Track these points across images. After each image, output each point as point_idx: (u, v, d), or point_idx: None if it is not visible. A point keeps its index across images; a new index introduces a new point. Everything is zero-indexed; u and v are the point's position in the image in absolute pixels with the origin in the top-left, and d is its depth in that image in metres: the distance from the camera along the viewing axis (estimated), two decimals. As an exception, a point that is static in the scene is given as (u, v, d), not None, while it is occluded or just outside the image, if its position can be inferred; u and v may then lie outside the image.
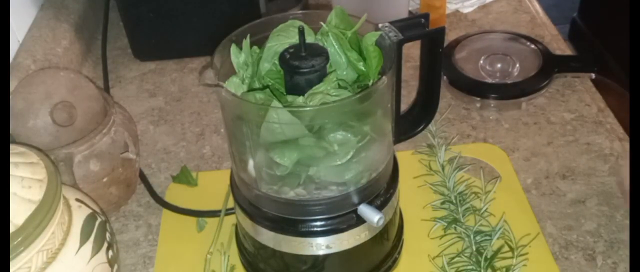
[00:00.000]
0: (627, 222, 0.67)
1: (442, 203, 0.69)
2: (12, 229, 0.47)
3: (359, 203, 0.55)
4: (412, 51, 0.91)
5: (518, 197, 0.71)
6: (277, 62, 0.53)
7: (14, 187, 0.49)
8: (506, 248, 0.63)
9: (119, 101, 0.85)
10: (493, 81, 0.85)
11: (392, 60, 0.52)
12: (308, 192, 0.54)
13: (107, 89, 0.92)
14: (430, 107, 0.62)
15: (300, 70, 0.50)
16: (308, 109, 0.49)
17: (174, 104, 0.90)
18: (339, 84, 0.50)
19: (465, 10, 1.04)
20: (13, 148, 0.53)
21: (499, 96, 0.83)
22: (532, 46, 0.90)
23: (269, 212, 0.56)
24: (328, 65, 0.52)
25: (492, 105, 0.84)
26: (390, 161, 0.58)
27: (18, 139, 0.67)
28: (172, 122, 0.87)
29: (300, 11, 0.81)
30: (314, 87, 0.50)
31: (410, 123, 0.62)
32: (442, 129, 0.81)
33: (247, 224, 0.59)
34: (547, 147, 0.78)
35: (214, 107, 0.88)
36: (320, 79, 0.50)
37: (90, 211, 0.57)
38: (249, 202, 0.57)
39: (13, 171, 0.50)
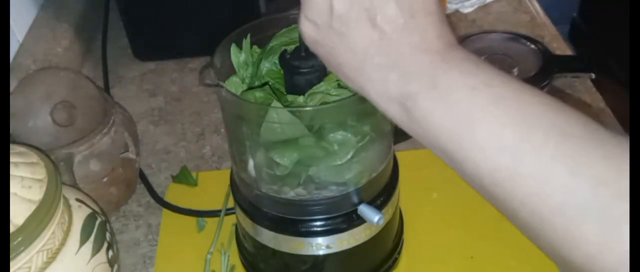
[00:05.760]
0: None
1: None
2: (12, 229, 0.47)
3: (359, 203, 0.55)
4: (412, 51, 0.91)
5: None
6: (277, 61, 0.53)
7: (14, 187, 0.49)
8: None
9: (119, 101, 0.85)
10: (493, 81, 0.85)
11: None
12: (308, 192, 0.54)
13: (107, 89, 0.92)
14: (430, 107, 0.62)
15: (300, 70, 0.50)
16: (308, 109, 0.49)
17: (174, 104, 0.90)
18: (339, 84, 0.50)
19: (465, 10, 1.04)
20: (13, 148, 0.53)
21: (499, 96, 0.83)
22: (532, 46, 0.90)
23: (269, 212, 0.56)
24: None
25: (492, 105, 0.83)
26: (391, 160, 0.58)
27: (18, 139, 0.67)
28: (172, 122, 0.86)
29: (300, 11, 0.81)
30: (314, 87, 0.50)
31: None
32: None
33: (247, 224, 0.59)
34: (547, 147, 0.77)
35: (214, 107, 0.88)
36: (320, 79, 0.50)
37: (90, 210, 0.57)
38: (249, 202, 0.57)
39: (13, 171, 0.50)
